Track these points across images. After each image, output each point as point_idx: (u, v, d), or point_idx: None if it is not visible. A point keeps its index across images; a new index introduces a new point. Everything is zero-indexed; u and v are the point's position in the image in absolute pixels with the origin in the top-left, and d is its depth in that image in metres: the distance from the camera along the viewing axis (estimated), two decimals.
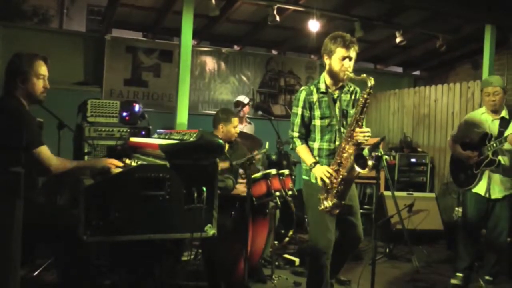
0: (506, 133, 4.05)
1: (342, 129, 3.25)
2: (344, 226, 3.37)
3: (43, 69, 2.93)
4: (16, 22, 10.97)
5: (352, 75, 3.16)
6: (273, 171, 3.97)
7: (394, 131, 8.32)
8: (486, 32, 6.52)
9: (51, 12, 14.16)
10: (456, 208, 5.83)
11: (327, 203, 3.13)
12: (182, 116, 5.29)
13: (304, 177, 3.38)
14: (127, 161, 3.21)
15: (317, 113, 3.27)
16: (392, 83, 9.05)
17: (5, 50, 6.32)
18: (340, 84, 3.30)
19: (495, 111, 4.20)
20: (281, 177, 3.95)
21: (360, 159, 3.04)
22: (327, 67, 3.29)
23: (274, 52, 8.64)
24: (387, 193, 5.87)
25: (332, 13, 6.56)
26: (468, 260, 4.26)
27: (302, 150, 3.30)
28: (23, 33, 7.32)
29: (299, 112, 3.29)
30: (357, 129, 3.07)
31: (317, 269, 3.27)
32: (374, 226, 3.45)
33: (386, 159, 6.27)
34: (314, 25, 6.43)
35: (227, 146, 4.34)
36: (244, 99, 6.32)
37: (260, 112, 7.46)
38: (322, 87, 3.30)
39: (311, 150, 3.30)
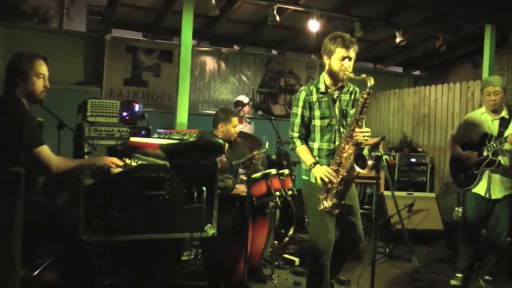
0: (506, 133, 4.05)
1: (341, 129, 3.25)
2: (344, 226, 3.37)
3: (43, 69, 2.93)
4: (16, 22, 10.96)
5: (351, 75, 3.16)
6: (273, 171, 3.96)
7: (394, 131, 8.32)
8: (486, 32, 6.52)
9: (51, 12, 14.15)
10: (456, 208, 5.83)
11: (327, 203, 3.13)
12: (182, 115, 5.29)
13: (304, 177, 3.38)
14: (127, 161, 3.21)
15: (316, 113, 3.27)
16: (392, 83, 9.05)
17: (5, 50, 6.31)
18: (340, 84, 3.30)
19: (495, 111, 4.20)
20: (281, 177, 3.95)
21: (359, 159, 3.04)
22: (326, 67, 3.29)
23: (274, 52, 8.64)
24: (387, 193, 5.87)
25: (332, 13, 6.56)
26: (468, 260, 4.26)
27: (302, 150, 3.30)
28: (23, 33, 7.32)
29: (299, 112, 3.29)
30: (357, 129, 3.08)
31: (317, 269, 3.27)
32: (374, 226, 3.46)
33: (386, 159, 6.28)
34: (314, 25, 6.43)
35: (226, 145, 4.35)
36: (244, 99, 6.32)
37: (260, 112, 7.45)
38: (322, 87, 3.30)
39: (311, 150, 3.30)
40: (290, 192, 3.97)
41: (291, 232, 4.42)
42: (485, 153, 4.11)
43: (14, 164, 2.65)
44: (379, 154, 3.30)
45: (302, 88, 3.37)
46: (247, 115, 6.46)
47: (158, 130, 3.81)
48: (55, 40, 7.39)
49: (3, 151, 2.72)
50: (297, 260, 4.69)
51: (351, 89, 3.37)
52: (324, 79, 3.31)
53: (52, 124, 3.76)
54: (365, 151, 3.14)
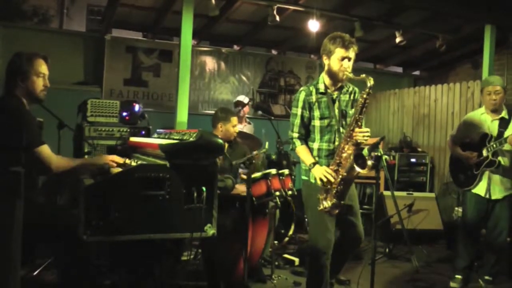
0: (506, 133, 4.05)
1: (341, 130, 3.26)
2: (344, 226, 3.38)
3: (43, 68, 2.94)
4: (16, 22, 10.96)
5: (351, 75, 3.16)
6: (273, 171, 3.97)
7: (394, 131, 8.32)
8: (486, 32, 6.52)
9: (51, 12, 14.15)
10: (456, 208, 5.83)
11: (326, 203, 3.13)
12: (182, 115, 5.29)
13: (304, 177, 3.38)
14: (127, 161, 3.21)
15: (316, 113, 3.28)
16: (392, 83, 9.05)
17: (5, 50, 6.32)
18: (339, 84, 3.30)
19: (495, 110, 4.20)
20: (281, 177, 3.95)
21: (359, 159, 3.04)
22: (326, 68, 3.29)
23: (274, 52, 8.64)
24: (387, 193, 5.87)
25: (332, 13, 6.56)
26: (467, 260, 4.26)
27: (301, 150, 3.30)
28: (23, 33, 7.32)
29: (299, 112, 3.29)
30: (357, 129, 3.08)
31: (317, 269, 3.27)
32: (374, 226, 3.46)
33: (385, 159, 6.28)
34: (314, 25, 6.43)
35: (226, 145, 4.35)
36: (244, 99, 6.32)
37: (260, 112, 7.46)
38: (321, 87, 3.30)
39: (311, 150, 3.30)
40: (290, 192, 3.98)
41: (291, 232, 4.42)
42: (485, 154, 4.11)
43: (14, 164, 2.65)
44: (379, 154, 3.31)
45: (301, 88, 3.37)
46: (247, 115, 6.46)
47: (158, 130, 3.81)
48: (55, 40, 7.39)
49: (3, 151, 2.72)
50: (297, 260, 4.70)
51: (350, 89, 3.37)
52: (324, 79, 3.32)
53: (52, 124, 3.76)
54: (365, 151, 3.14)
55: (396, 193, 5.69)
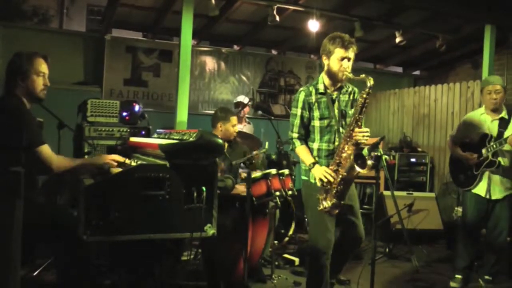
0: (506, 134, 4.05)
1: (341, 130, 3.26)
2: (345, 226, 3.38)
3: (43, 67, 2.94)
4: (16, 22, 10.97)
5: (351, 75, 3.16)
6: (273, 171, 3.96)
7: (394, 131, 8.32)
8: (486, 32, 6.52)
9: (51, 12, 14.15)
10: (456, 208, 5.83)
11: (326, 203, 3.13)
12: (182, 115, 5.29)
13: (303, 177, 3.38)
14: (127, 161, 3.21)
15: (316, 113, 3.28)
16: (392, 83, 9.06)
17: (5, 50, 6.32)
18: (339, 84, 3.31)
19: (495, 110, 4.19)
20: (281, 177, 3.95)
21: (359, 159, 3.04)
22: (325, 68, 3.29)
23: (274, 52, 8.64)
24: (387, 193, 5.87)
25: (332, 13, 6.56)
26: (467, 259, 4.26)
27: (301, 150, 3.30)
28: (23, 33, 7.32)
29: (298, 113, 3.29)
30: (356, 129, 3.08)
31: (317, 269, 3.27)
32: (374, 226, 3.46)
33: (385, 159, 6.28)
34: (314, 25, 6.43)
35: (226, 145, 4.35)
36: (244, 99, 6.32)
37: (260, 112, 7.46)
38: (321, 87, 3.30)
39: (311, 150, 3.30)
40: (290, 192, 3.98)
41: (291, 232, 4.42)
42: (484, 154, 4.11)
43: (14, 164, 2.65)
44: (379, 154, 3.31)
45: (301, 89, 3.37)
46: (247, 115, 6.47)
47: (157, 130, 3.81)
48: (55, 40, 7.39)
49: (3, 151, 2.72)
50: (297, 260, 4.70)
51: (349, 89, 3.38)
52: (323, 79, 3.32)
53: (52, 124, 3.76)
54: (365, 151, 3.14)
55: (396, 193, 5.70)
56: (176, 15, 6.01)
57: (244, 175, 4.15)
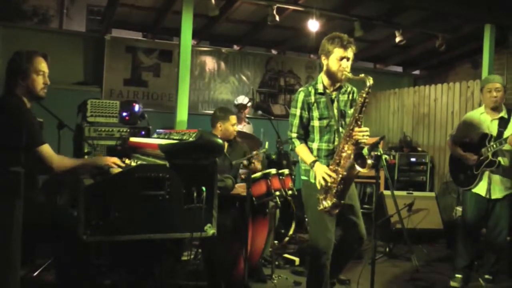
0: (506, 133, 4.05)
1: (340, 129, 3.26)
2: (346, 226, 3.37)
3: (43, 66, 2.94)
4: (16, 22, 10.97)
5: (350, 75, 3.16)
6: (273, 170, 3.96)
7: (394, 130, 8.32)
8: (485, 32, 6.52)
9: (51, 12, 14.15)
10: (456, 207, 5.83)
11: (326, 203, 3.13)
12: (182, 115, 5.30)
13: (303, 177, 3.38)
14: (127, 161, 3.21)
15: (315, 114, 3.28)
16: (392, 83, 9.06)
17: (5, 50, 6.32)
18: (338, 84, 3.31)
19: (495, 108, 4.19)
20: (281, 177, 3.95)
21: (359, 158, 3.04)
22: (324, 68, 3.30)
23: (274, 52, 8.65)
24: (387, 193, 5.87)
25: (332, 12, 6.56)
26: (467, 259, 4.26)
27: (301, 149, 3.30)
28: (23, 33, 7.33)
29: (298, 113, 3.29)
30: (356, 129, 3.08)
31: (317, 269, 3.26)
32: (374, 226, 3.46)
33: (385, 158, 6.28)
34: (313, 25, 6.43)
35: (226, 145, 4.35)
36: (243, 99, 6.32)
37: (260, 112, 7.46)
38: (320, 88, 3.30)
39: (310, 150, 3.30)
40: (290, 192, 3.97)
41: (291, 232, 4.42)
42: (484, 154, 4.11)
43: (14, 164, 2.65)
44: (379, 153, 3.31)
45: (300, 89, 3.37)
46: (246, 115, 6.47)
47: (157, 130, 3.81)
48: (55, 40, 7.39)
49: (3, 151, 2.72)
50: (297, 259, 4.69)
51: (349, 89, 3.38)
52: (322, 79, 3.32)
53: (52, 124, 3.76)
54: (365, 151, 3.14)
55: (396, 193, 5.70)
56: (176, 15, 6.01)
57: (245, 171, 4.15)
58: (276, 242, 4.51)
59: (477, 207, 4.21)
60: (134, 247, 2.99)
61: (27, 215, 2.59)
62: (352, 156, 3.05)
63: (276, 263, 4.50)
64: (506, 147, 4.03)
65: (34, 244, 3.23)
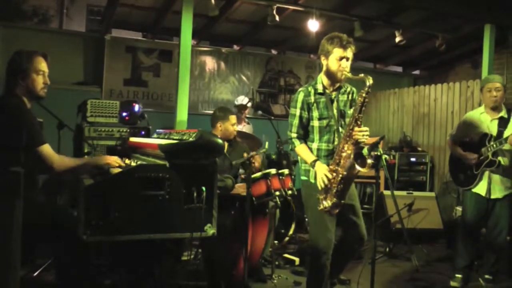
0: (506, 133, 4.05)
1: (340, 129, 3.26)
2: (346, 226, 3.37)
3: (42, 65, 2.94)
4: (16, 22, 10.97)
5: (349, 75, 3.16)
6: (273, 170, 3.96)
7: (394, 130, 8.32)
8: (485, 31, 6.52)
9: (51, 12, 14.16)
10: (456, 207, 5.83)
11: (327, 203, 3.13)
12: (182, 115, 5.30)
13: (303, 177, 3.38)
14: (127, 161, 3.21)
15: (315, 114, 3.28)
16: (392, 83, 9.06)
17: (5, 50, 6.32)
18: (338, 84, 3.31)
19: (495, 108, 4.19)
20: (280, 177, 3.95)
21: (359, 158, 3.04)
22: (324, 68, 3.30)
23: (274, 51, 8.65)
24: (387, 193, 5.87)
25: (332, 12, 6.56)
26: (467, 259, 4.26)
27: (301, 149, 3.30)
28: (23, 33, 7.33)
29: (297, 113, 3.29)
30: (356, 128, 3.08)
31: (317, 269, 3.27)
32: (374, 226, 3.46)
33: (385, 158, 6.28)
34: (313, 25, 6.43)
35: (226, 144, 4.35)
36: (243, 100, 6.32)
37: (260, 112, 7.46)
38: (320, 88, 3.30)
39: (310, 150, 3.30)
40: (290, 192, 3.98)
41: (291, 232, 4.42)
42: (484, 153, 4.11)
43: (14, 164, 2.65)
44: (379, 153, 3.30)
45: (300, 89, 3.37)
46: (246, 115, 6.47)
47: (157, 130, 3.82)
48: (55, 40, 7.39)
49: (3, 151, 2.72)
50: (297, 259, 4.70)
51: (348, 89, 3.38)
52: (322, 80, 3.32)
53: (52, 124, 3.76)
54: (365, 151, 3.14)
55: (396, 193, 5.70)
56: (176, 15, 6.01)
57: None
58: (276, 242, 4.51)
59: (477, 207, 4.21)
60: (134, 247, 2.99)
61: (27, 215, 2.59)
62: (352, 156, 3.05)
63: (276, 263, 4.50)
64: (506, 146, 4.03)
65: (34, 244, 3.22)
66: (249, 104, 6.36)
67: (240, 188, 3.96)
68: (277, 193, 3.85)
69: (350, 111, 3.30)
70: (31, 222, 2.64)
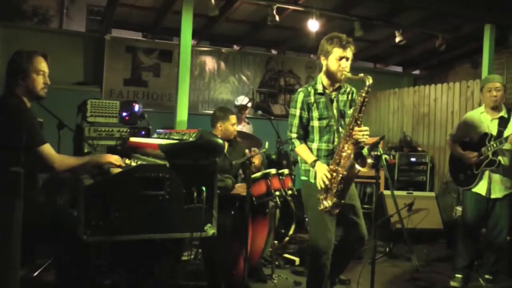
0: (506, 133, 4.05)
1: (340, 129, 3.26)
2: (347, 226, 3.37)
3: (42, 65, 2.94)
4: (16, 22, 10.97)
5: (349, 74, 3.16)
6: (273, 170, 3.96)
7: (394, 130, 8.32)
8: (485, 31, 6.52)
9: (51, 12, 14.16)
10: (456, 207, 5.83)
11: (327, 203, 3.13)
12: (182, 115, 5.30)
13: (303, 177, 3.38)
14: (127, 161, 3.21)
15: (315, 114, 3.28)
16: (392, 83, 9.06)
17: (5, 50, 6.32)
18: (337, 85, 3.31)
19: (495, 107, 4.19)
20: (280, 177, 3.95)
21: (359, 158, 3.04)
22: (324, 68, 3.30)
23: (274, 51, 8.65)
24: (387, 192, 5.87)
25: (332, 12, 6.56)
26: (467, 259, 4.26)
27: (301, 149, 3.30)
28: (23, 33, 7.33)
29: (297, 113, 3.29)
30: (356, 128, 3.08)
31: (317, 269, 3.26)
32: (374, 225, 3.46)
33: (385, 158, 6.28)
34: (313, 25, 6.43)
35: (226, 144, 4.35)
36: (243, 100, 6.32)
37: (260, 112, 7.46)
38: (319, 88, 3.30)
39: (310, 151, 3.30)
40: (290, 192, 3.98)
41: (291, 232, 4.42)
42: (484, 153, 4.11)
43: (14, 164, 2.65)
44: (379, 153, 3.30)
45: (300, 89, 3.37)
46: (246, 115, 6.47)
47: (157, 130, 3.81)
48: (55, 40, 7.39)
49: (3, 151, 2.72)
50: (297, 259, 4.70)
51: (348, 89, 3.38)
52: (322, 80, 3.32)
53: (52, 124, 3.76)
54: (365, 151, 3.14)
55: (396, 193, 5.70)
56: (176, 15, 6.01)
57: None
58: (276, 242, 4.51)
59: (477, 207, 4.21)
60: (134, 247, 2.99)
61: (27, 215, 2.59)
62: (352, 156, 3.05)
63: (276, 263, 4.50)
64: (506, 146, 4.03)
65: (34, 244, 3.23)
66: (249, 104, 6.36)
67: (240, 188, 3.95)
68: (277, 193, 3.85)
69: (350, 111, 3.30)
70: (31, 222, 2.64)
